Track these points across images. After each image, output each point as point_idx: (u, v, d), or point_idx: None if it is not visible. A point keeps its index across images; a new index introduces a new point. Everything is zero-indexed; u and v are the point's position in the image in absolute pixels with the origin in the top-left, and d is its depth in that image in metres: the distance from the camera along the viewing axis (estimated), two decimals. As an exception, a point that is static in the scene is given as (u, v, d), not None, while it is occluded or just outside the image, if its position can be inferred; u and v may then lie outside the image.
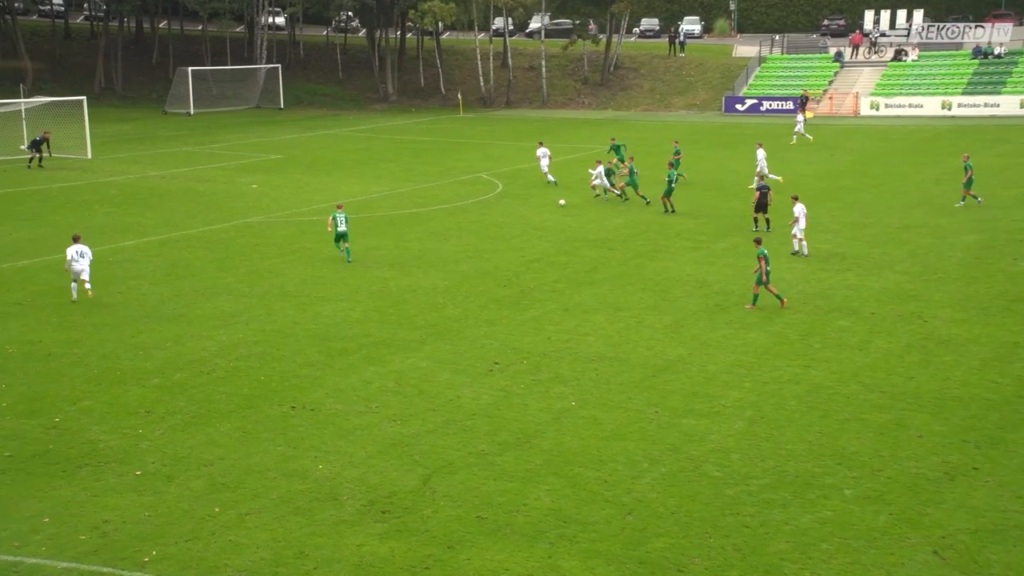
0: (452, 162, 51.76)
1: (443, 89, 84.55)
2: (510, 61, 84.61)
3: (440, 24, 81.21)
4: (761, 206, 32.63)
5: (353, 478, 15.62)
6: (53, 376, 20.18)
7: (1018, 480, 15.08)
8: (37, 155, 48.11)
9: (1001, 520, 13.94)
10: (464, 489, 15.20)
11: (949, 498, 14.61)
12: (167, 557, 13.40)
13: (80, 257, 25.22)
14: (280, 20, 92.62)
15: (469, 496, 14.97)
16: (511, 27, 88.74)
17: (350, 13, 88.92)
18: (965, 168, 36.03)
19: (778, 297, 24.37)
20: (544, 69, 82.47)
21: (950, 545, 13.35)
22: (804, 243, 29.38)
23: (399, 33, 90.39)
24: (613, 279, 27.44)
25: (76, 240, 25.69)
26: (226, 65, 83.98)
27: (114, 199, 41.10)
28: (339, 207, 30.24)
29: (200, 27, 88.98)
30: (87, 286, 25.15)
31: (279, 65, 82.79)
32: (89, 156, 52.27)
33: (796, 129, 55.54)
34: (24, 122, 52.95)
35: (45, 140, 48.51)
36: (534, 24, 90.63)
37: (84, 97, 55.77)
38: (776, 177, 40.40)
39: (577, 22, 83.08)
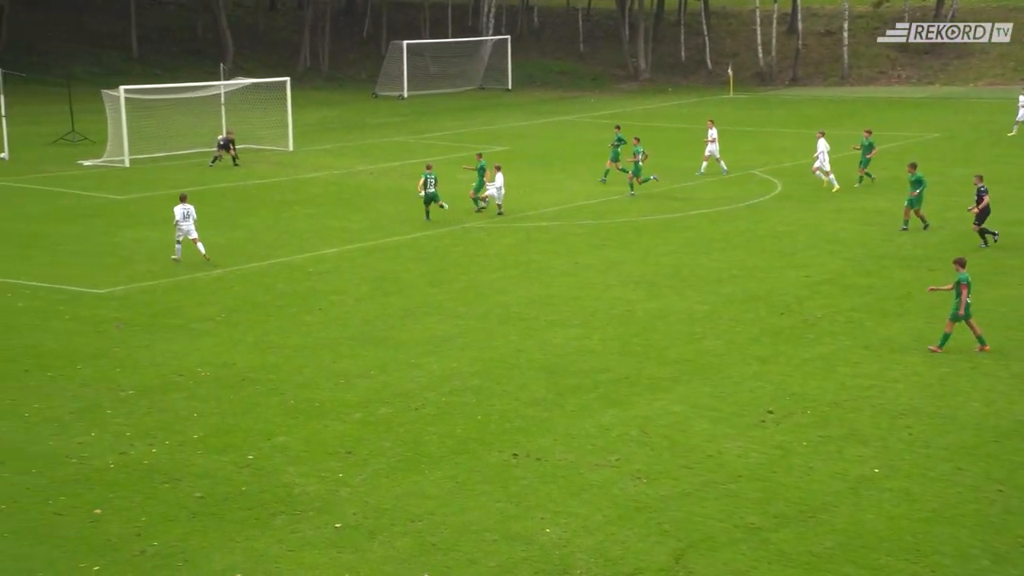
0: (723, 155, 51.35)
1: (709, 63, 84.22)
2: (799, 25, 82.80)
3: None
4: None
5: (588, 547, 15.61)
6: (247, 405, 21.37)
7: None
8: (223, 155, 51.24)
9: None
10: (728, 572, 14.89)
11: None
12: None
13: (185, 219, 31.46)
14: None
15: (735, 583, 14.70)
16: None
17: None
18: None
19: (980, 340, 23.39)
20: (846, 34, 79.92)
21: None
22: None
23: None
24: (932, 309, 26.33)
25: (183, 200, 31.83)
26: (446, 38, 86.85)
27: (316, 199, 43.42)
28: (428, 167, 37.34)
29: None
30: (200, 247, 31.60)
31: (508, 37, 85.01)
32: (291, 148, 55.40)
33: None
34: (223, 107, 56.56)
35: (230, 141, 51.49)
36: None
37: (287, 79, 58.91)
38: None
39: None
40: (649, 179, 42.06)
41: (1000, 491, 17.11)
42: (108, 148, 52.04)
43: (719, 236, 34.92)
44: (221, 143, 51.25)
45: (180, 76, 73.45)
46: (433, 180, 35.92)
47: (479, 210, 39.56)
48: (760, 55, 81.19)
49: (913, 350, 23.69)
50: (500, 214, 38.79)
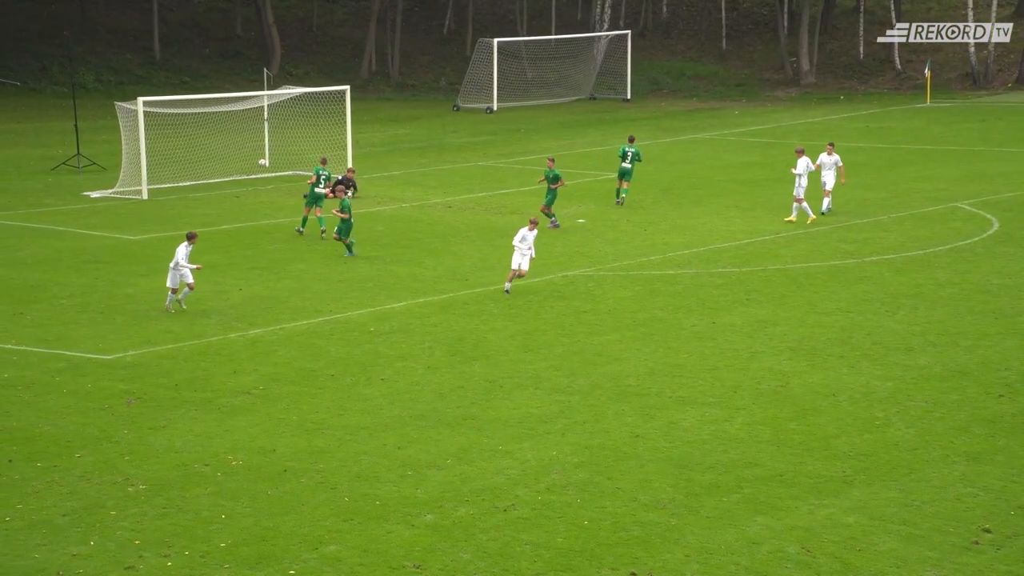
0: (907, 183, 51.16)
1: (898, 62, 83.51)
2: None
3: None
4: None
5: None
6: (289, 504, 21.40)
7: None
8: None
9: None
10: None
11: None
12: None
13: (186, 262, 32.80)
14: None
15: None
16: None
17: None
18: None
19: None
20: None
21: None
22: None
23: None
24: None
25: (190, 239, 33.13)
26: (548, 35, 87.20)
27: (380, 238, 43.84)
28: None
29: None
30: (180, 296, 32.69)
31: (628, 32, 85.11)
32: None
33: None
34: (266, 124, 57.48)
35: (350, 181, 49.75)
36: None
37: (347, 87, 59.09)
38: None
39: None
40: None
41: None
42: (121, 176, 52.99)
43: (908, 290, 34.54)
44: (340, 180, 49.09)
45: (214, 85, 74.76)
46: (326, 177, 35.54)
47: (553, 226, 41.48)
48: (972, 50, 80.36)
49: None
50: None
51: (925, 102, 76.19)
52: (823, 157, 45.10)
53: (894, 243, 40.51)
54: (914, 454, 23.08)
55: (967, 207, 45.72)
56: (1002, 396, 26.05)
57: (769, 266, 37.83)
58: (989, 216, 43.81)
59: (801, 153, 44.49)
